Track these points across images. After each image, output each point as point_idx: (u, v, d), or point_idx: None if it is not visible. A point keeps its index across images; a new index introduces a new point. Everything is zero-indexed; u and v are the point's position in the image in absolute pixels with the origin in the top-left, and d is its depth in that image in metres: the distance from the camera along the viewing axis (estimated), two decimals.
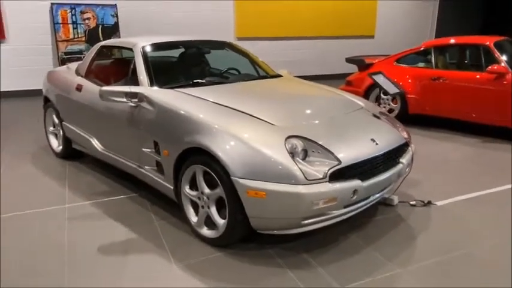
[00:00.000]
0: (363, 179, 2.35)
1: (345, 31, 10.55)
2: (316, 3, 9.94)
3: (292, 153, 2.24)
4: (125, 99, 2.87)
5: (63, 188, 3.44)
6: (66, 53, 7.84)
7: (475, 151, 4.48)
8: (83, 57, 8.00)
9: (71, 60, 7.80)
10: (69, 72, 3.96)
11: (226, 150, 2.28)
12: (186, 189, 2.60)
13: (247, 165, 2.21)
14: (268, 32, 9.58)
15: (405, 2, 11.29)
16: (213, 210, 2.46)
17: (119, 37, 8.16)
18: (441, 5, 11.71)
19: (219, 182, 2.34)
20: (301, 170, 2.16)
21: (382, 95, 5.65)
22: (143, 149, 2.92)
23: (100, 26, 8.03)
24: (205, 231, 2.55)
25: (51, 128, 4.27)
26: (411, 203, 3.10)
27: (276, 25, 9.65)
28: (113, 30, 8.14)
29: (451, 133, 5.18)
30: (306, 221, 2.24)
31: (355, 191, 2.29)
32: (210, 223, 2.54)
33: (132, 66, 3.25)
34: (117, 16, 8.14)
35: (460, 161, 4.17)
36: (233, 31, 9.30)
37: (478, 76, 4.86)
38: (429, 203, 3.10)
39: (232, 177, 2.24)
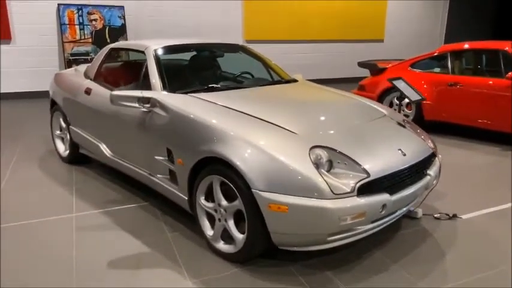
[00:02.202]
0: (391, 193, 2.20)
1: (354, 35, 10.41)
2: (325, 6, 9.81)
3: (317, 165, 2.10)
4: (136, 105, 2.74)
5: (71, 195, 3.31)
6: (72, 54, 7.74)
7: (495, 160, 4.32)
8: (90, 59, 7.98)
9: (77, 61, 7.71)
10: (78, 75, 3.84)
11: (246, 160, 2.14)
12: (202, 200, 2.46)
13: (268, 177, 2.07)
14: (276, 34, 9.45)
15: (415, 5, 11.15)
16: (231, 224, 2.32)
17: (126, 39, 8.06)
18: (451, 9, 11.56)
19: (238, 194, 2.19)
20: (327, 183, 2.02)
21: (396, 101, 5.50)
22: (155, 157, 2.79)
23: (107, 28, 7.93)
24: (222, 245, 2.40)
25: (58, 132, 4.14)
26: (436, 216, 2.95)
27: (285, 28, 9.53)
28: (120, 32, 8.04)
29: (467, 140, 5.02)
30: (332, 238, 2.09)
31: (384, 206, 2.14)
32: (226, 237, 2.40)
33: (143, 70, 3.12)
34: (124, 18, 8.04)
35: (481, 170, 4.01)
36: (241, 33, 9.18)
37: (496, 82, 4.71)
38: (454, 216, 2.95)
39: (252, 190, 2.10)
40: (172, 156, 2.63)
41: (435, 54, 5.47)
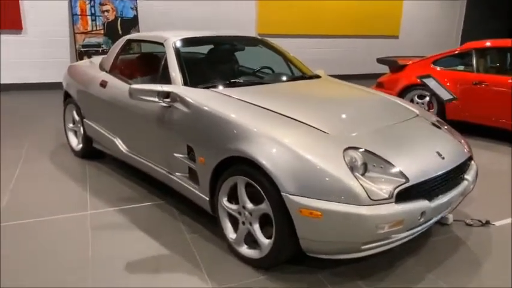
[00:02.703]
0: (429, 199, 2.06)
1: (369, 30, 10.19)
2: (340, 1, 9.59)
3: (351, 168, 1.96)
4: (156, 99, 2.61)
5: (85, 191, 3.20)
6: (83, 46, 7.62)
7: None
8: (101, 50, 7.87)
9: (88, 53, 7.60)
10: (92, 67, 3.71)
11: (275, 161, 2.00)
12: (224, 201, 2.33)
13: (300, 180, 1.93)
14: (291, 29, 9.26)
15: (431, 3, 10.88)
16: (256, 228, 2.19)
17: (138, 31, 7.93)
18: (468, 5, 11.27)
19: (265, 197, 2.06)
20: (363, 188, 1.88)
21: (417, 99, 5.32)
22: (174, 154, 2.66)
23: (119, 19, 7.80)
24: (246, 250, 2.27)
25: (71, 125, 4.03)
26: (467, 222, 2.79)
27: (299, 22, 9.34)
28: (132, 23, 7.90)
29: (492, 142, 4.83)
30: (366, 246, 1.95)
31: (423, 213, 2.00)
32: (250, 241, 2.27)
33: (162, 63, 2.98)
34: (136, 9, 7.90)
35: (510, 173, 3.84)
36: (254, 27, 9.01)
37: None
38: (487, 223, 2.79)
39: (282, 193, 1.96)
40: (193, 154, 2.50)
41: (458, 51, 5.27)
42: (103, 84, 3.35)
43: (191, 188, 2.58)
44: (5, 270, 2.20)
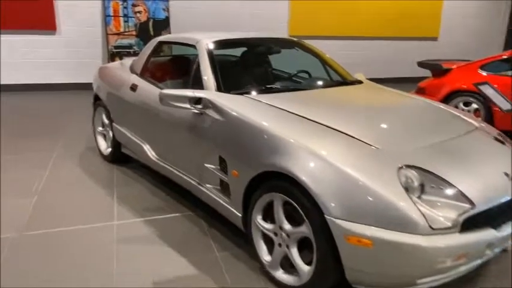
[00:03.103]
0: (495, 227, 1.78)
1: (405, 32, 9.75)
2: (375, 1, 9.22)
3: (407, 189, 1.71)
4: (188, 105, 2.44)
5: (111, 199, 3.08)
6: (115, 47, 7.63)
7: None
8: (132, 52, 7.86)
9: (120, 54, 7.60)
10: (123, 69, 3.61)
11: (319, 179, 1.78)
12: (259, 219, 2.13)
13: (347, 203, 1.71)
14: (324, 30, 8.98)
15: (473, 3, 10.31)
16: (294, 252, 1.97)
17: (169, 32, 7.87)
18: None
19: (305, 219, 1.84)
20: (422, 214, 1.63)
21: (462, 106, 4.96)
22: (205, 165, 2.48)
23: (151, 20, 7.76)
24: (282, 275, 2.06)
25: (100, 128, 3.94)
26: None
27: (333, 23, 9.04)
28: (163, 24, 7.85)
29: None
30: (422, 280, 1.70)
31: (489, 245, 1.72)
32: (287, 265, 2.06)
33: (194, 66, 2.82)
34: (168, 10, 7.85)
35: None
36: (286, 28, 8.79)
37: None
38: None
39: (326, 216, 1.74)
40: (226, 166, 2.32)
41: (508, 55, 4.87)
42: (133, 87, 3.22)
43: (222, 202, 2.40)
44: (26, 284, 2.08)
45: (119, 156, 3.72)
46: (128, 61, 3.74)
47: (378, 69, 9.68)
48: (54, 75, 7.56)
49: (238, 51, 3.31)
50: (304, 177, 1.81)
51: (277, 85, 2.72)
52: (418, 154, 1.92)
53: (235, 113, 2.27)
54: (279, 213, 1.99)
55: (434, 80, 5.41)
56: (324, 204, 1.74)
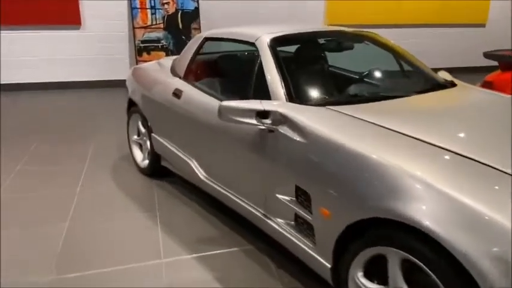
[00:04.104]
0: None
1: (452, 18, 8.96)
2: None
3: None
4: (254, 121, 1.94)
5: (155, 227, 2.62)
6: (142, 41, 7.17)
7: None
8: (160, 46, 7.40)
9: (147, 49, 7.15)
10: (162, 71, 3.12)
11: (462, 234, 1.24)
12: (360, 278, 1.62)
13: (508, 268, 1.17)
14: (364, 18, 8.30)
15: None
16: None
17: (199, 25, 7.36)
18: None
19: None
20: None
21: None
22: (277, 195, 1.98)
23: (179, 12, 7.26)
24: None
25: (136, 137, 3.48)
26: None
27: (374, 11, 8.35)
28: (192, 16, 7.34)
29: None
30: None
31: None
32: None
33: (255, 68, 2.30)
34: (197, 1, 7.32)
35: None
36: (323, 16, 8.15)
37: None
38: None
39: None
40: (305, 199, 1.81)
41: None
42: (177, 93, 2.73)
43: (300, 244, 1.89)
44: None
45: (158, 170, 3.26)
46: (167, 61, 3.25)
47: (427, 59, 8.94)
48: (79, 72, 7.18)
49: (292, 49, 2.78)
50: (442, 232, 1.27)
51: (362, 92, 2.17)
52: None
53: (321, 133, 1.75)
54: (396, 275, 1.47)
55: (504, 73, 4.73)
56: (482, 274, 1.20)
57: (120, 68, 7.23)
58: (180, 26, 7.27)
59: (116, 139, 4.23)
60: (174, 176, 3.28)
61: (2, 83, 6.76)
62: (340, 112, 1.89)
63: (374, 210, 1.48)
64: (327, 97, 2.08)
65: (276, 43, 2.32)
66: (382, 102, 2.06)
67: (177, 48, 7.20)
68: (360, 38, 2.81)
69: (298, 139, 1.83)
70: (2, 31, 6.62)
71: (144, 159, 3.40)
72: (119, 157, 3.79)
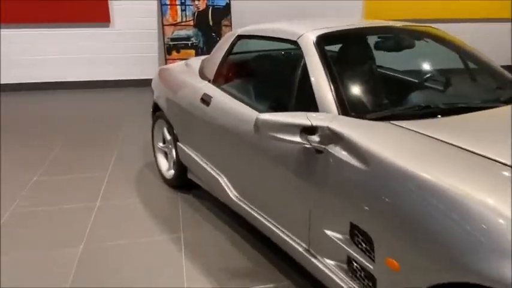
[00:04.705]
0: None
1: (482, 13, 8.22)
2: None
3: None
4: (299, 138, 1.56)
5: (178, 249, 2.30)
6: (172, 39, 6.92)
7: None
8: (190, 44, 7.13)
9: (176, 47, 6.90)
10: (190, 73, 2.79)
11: None
12: None
13: None
14: (406, 13, 7.73)
15: None
16: None
17: (230, 22, 7.03)
18: None
19: None
20: None
21: None
22: (325, 230, 1.60)
23: (210, 8, 6.95)
24: None
25: (161, 144, 3.19)
26: None
27: (412, 5, 7.76)
28: (223, 13, 7.02)
29: None
30: None
31: None
32: None
33: (298, 72, 1.92)
34: None
35: None
36: (361, 12, 7.65)
37: None
38: None
39: None
40: (364, 240, 1.42)
41: None
42: (206, 100, 2.39)
43: None
44: None
45: (184, 182, 2.94)
46: (195, 61, 2.92)
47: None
48: (107, 71, 7.01)
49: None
50: None
51: (436, 102, 1.74)
52: None
53: (388, 158, 1.35)
54: None
55: None
56: None
57: (148, 66, 7.02)
58: (211, 22, 6.97)
59: (142, 143, 3.96)
60: (202, 189, 2.95)
61: (29, 81, 6.68)
62: (410, 130, 1.49)
63: (475, 274, 1.08)
64: (391, 109, 1.67)
65: (324, 41, 1.93)
66: (463, 115, 1.63)
67: (207, 46, 6.91)
68: (419, 34, 2.37)
69: (355, 164, 1.45)
70: (34, 29, 6.54)
71: (169, 169, 3.09)
72: (143, 164, 3.50)
